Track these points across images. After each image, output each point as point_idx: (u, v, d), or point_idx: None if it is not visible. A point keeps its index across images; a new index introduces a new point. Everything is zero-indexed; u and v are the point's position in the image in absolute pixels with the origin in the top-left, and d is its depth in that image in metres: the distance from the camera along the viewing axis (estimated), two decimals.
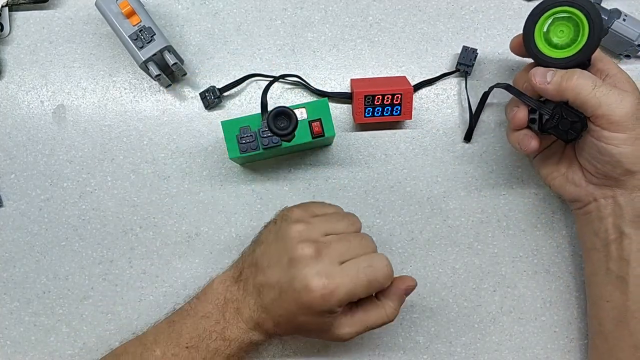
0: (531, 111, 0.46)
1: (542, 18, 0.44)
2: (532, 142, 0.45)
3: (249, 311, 0.44)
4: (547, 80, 0.43)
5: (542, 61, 0.44)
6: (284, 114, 0.36)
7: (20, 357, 0.53)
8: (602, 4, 0.52)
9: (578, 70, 0.42)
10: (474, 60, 0.53)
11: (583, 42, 0.42)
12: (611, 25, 0.50)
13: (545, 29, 0.44)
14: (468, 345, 0.53)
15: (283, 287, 0.41)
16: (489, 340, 0.53)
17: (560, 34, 0.43)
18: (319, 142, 0.49)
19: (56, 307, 0.53)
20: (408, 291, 0.46)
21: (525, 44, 0.45)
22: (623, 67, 0.53)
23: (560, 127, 0.44)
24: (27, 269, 0.53)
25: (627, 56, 0.53)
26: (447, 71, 0.54)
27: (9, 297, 0.53)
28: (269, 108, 0.47)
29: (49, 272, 0.53)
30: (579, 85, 0.41)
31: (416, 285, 0.46)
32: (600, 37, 0.42)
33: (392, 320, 0.45)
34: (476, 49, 0.53)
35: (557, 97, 0.43)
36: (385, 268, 0.42)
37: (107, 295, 0.53)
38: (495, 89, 0.50)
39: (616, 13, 0.51)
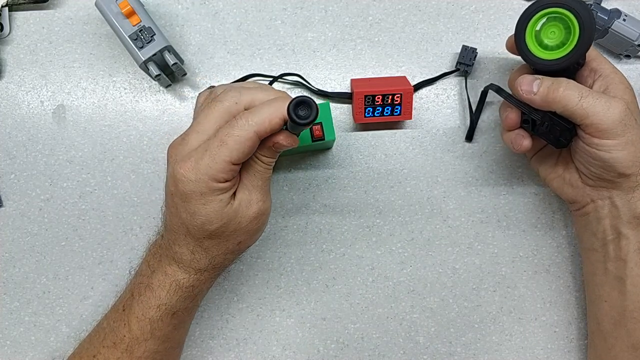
0: (523, 113, 0.46)
1: (533, 19, 0.43)
2: (524, 142, 0.45)
3: (164, 251, 0.42)
4: (533, 90, 0.42)
5: (533, 63, 0.44)
6: (304, 102, 0.35)
7: (20, 357, 0.53)
8: (602, 4, 0.52)
9: (564, 80, 0.42)
10: (474, 59, 0.53)
11: (573, 45, 0.41)
12: (611, 25, 0.50)
13: (537, 29, 0.43)
14: (468, 345, 0.53)
15: (167, 202, 0.40)
16: (489, 340, 0.54)
17: (551, 35, 0.43)
18: (319, 145, 0.49)
19: (56, 307, 0.53)
20: (277, 148, 0.39)
21: (517, 46, 0.44)
22: (623, 67, 0.53)
23: (550, 134, 0.44)
24: (27, 269, 0.53)
25: (627, 56, 0.53)
26: (447, 71, 0.54)
27: (9, 297, 0.53)
28: None
29: (49, 272, 0.53)
30: (565, 97, 0.41)
31: (289, 144, 0.39)
32: (590, 40, 0.41)
33: (267, 169, 0.40)
34: (475, 48, 0.53)
35: (545, 108, 0.43)
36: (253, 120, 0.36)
37: (107, 295, 0.53)
38: None
39: (616, 13, 0.50)
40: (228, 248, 0.40)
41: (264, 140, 0.39)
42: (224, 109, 0.39)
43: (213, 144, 0.37)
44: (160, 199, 0.53)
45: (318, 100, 0.54)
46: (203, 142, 0.38)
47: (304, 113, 0.35)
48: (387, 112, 0.51)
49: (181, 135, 0.40)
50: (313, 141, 0.47)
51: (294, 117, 0.35)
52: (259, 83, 0.41)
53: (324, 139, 0.47)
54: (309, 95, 0.54)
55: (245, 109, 0.39)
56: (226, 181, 0.38)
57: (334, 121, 0.49)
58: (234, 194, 0.40)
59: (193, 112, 0.45)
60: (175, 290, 0.42)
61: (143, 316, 0.42)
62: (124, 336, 0.42)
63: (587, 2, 0.52)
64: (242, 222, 0.39)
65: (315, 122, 0.47)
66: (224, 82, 0.53)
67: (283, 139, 0.39)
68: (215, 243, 0.40)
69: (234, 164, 0.37)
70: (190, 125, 0.40)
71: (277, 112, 0.37)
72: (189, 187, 0.37)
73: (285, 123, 0.38)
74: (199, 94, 0.44)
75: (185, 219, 0.39)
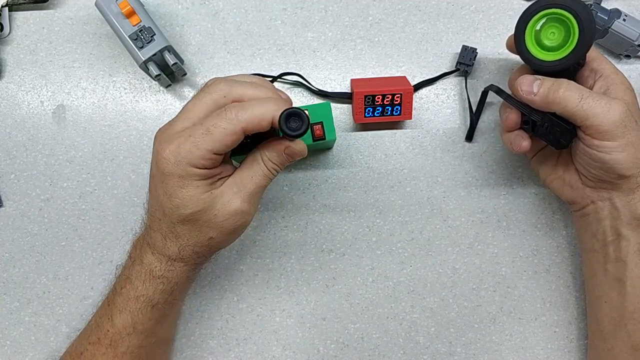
0: (523, 113, 0.46)
1: (532, 20, 0.43)
2: (523, 143, 0.45)
3: (143, 238, 0.43)
4: (533, 91, 0.42)
5: (533, 64, 0.43)
6: (296, 114, 0.36)
7: (20, 357, 0.53)
8: (602, 4, 0.52)
9: (564, 81, 0.42)
10: (474, 59, 0.53)
11: (573, 46, 0.41)
12: (611, 25, 0.50)
13: (537, 29, 0.43)
14: (468, 345, 0.53)
15: (149, 185, 0.41)
16: (489, 340, 0.54)
17: (551, 36, 0.42)
18: (320, 145, 0.49)
19: (56, 307, 0.53)
20: (288, 153, 0.40)
21: (517, 47, 0.44)
22: (623, 67, 0.53)
23: (550, 136, 0.44)
24: (27, 269, 0.53)
25: (627, 56, 0.53)
26: (447, 71, 0.54)
27: (9, 297, 0.53)
28: None
29: (49, 272, 0.53)
30: (565, 99, 0.41)
31: (300, 153, 0.40)
32: (590, 41, 0.41)
33: (268, 176, 0.40)
34: (475, 49, 0.53)
35: (545, 109, 0.43)
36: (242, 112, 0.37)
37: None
38: None
39: (616, 13, 0.51)
40: (198, 240, 0.40)
41: (276, 144, 0.39)
42: (212, 100, 0.39)
43: (198, 131, 0.37)
44: None
45: (318, 101, 0.54)
46: (188, 128, 0.38)
47: (295, 125, 0.36)
48: (387, 112, 0.51)
49: (169, 122, 0.40)
50: (314, 141, 0.47)
51: (285, 129, 0.36)
52: (253, 76, 0.41)
53: (324, 139, 0.47)
54: (312, 94, 0.54)
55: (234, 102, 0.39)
56: (205, 168, 0.38)
57: (334, 121, 0.49)
58: (221, 184, 0.40)
59: None
60: (150, 281, 0.42)
61: (124, 308, 0.42)
62: (108, 331, 0.42)
63: (587, 2, 0.52)
64: (218, 215, 0.39)
65: (316, 122, 0.47)
66: None
67: (295, 145, 0.39)
68: (187, 230, 0.40)
69: (215, 154, 0.37)
70: (178, 113, 0.40)
71: (268, 113, 0.37)
72: (168, 169, 0.38)
73: (272, 126, 0.38)
74: None
75: (162, 201, 0.39)
